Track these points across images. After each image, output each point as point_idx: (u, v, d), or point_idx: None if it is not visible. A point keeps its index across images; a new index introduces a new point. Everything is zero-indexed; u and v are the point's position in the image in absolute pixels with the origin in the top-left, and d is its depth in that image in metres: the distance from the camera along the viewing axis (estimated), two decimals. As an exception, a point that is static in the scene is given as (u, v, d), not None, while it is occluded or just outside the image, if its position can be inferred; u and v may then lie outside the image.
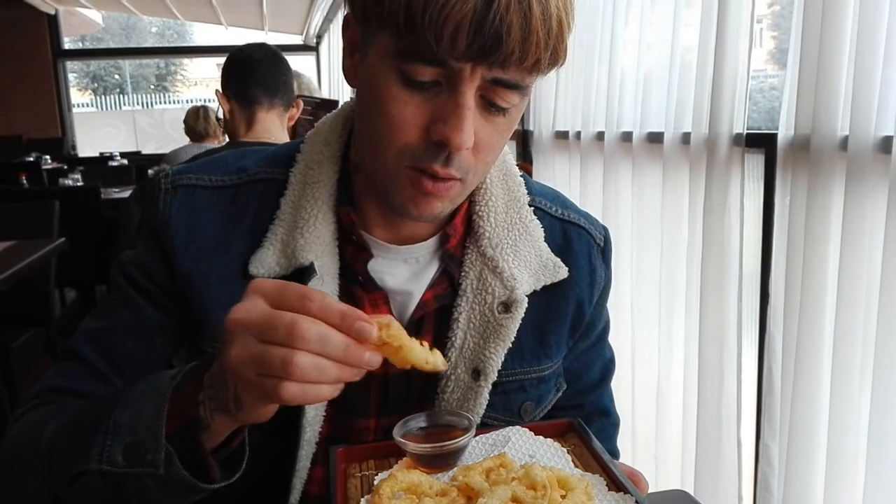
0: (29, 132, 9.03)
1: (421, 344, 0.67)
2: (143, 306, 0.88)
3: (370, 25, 0.76)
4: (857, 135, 1.41)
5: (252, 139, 2.23)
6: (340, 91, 7.75)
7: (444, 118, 0.74)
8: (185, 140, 4.45)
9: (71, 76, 10.42)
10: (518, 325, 0.90)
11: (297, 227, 0.86)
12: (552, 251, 0.94)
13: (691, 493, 1.04)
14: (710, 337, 1.88)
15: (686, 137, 1.96)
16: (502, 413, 0.94)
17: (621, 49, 2.33)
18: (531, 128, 3.07)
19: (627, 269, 2.29)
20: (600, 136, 2.46)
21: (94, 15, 10.23)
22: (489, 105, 0.76)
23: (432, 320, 0.93)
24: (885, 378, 1.39)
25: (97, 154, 8.49)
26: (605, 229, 1.04)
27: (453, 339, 0.90)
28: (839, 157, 1.46)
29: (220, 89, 2.31)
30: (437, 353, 0.68)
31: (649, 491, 0.91)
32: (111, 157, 7.65)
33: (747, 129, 1.78)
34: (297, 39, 10.38)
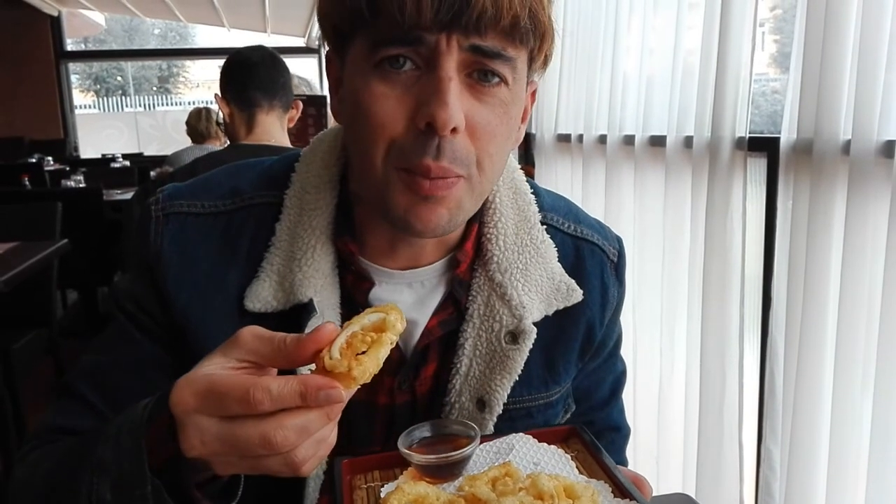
0: (31, 133, 9.04)
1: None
2: (140, 340, 0.85)
3: (345, 43, 0.75)
4: (859, 139, 1.41)
5: (253, 142, 2.24)
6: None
7: (426, 99, 0.69)
8: (187, 141, 4.45)
9: (73, 77, 10.43)
10: (525, 358, 0.87)
11: (295, 259, 0.82)
12: (565, 271, 0.91)
13: (693, 496, 1.04)
14: (711, 340, 1.88)
15: (688, 141, 1.96)
16: None
17: (624, 52, 2.33)
18: (534, 131, 3.07)
19: (629, 272, 2.28)
20: (602, 139, 2.46)
21: (97, 17, 10.24)
22: (477, 79, 0.72)
23: (437, 347, 0.89)
24: (886, 382, 1.39)
25: (99, 155, 8.49)
26: (619, 241, 1.00)
27: (458, 365, 0.87)
28: (842, 161, 1.46)
29: (220, 93, 2.31)
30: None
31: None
32: (113, 159, 7.64)
33: (750, 133, 1.78)
34: (300, 42, 10.39)
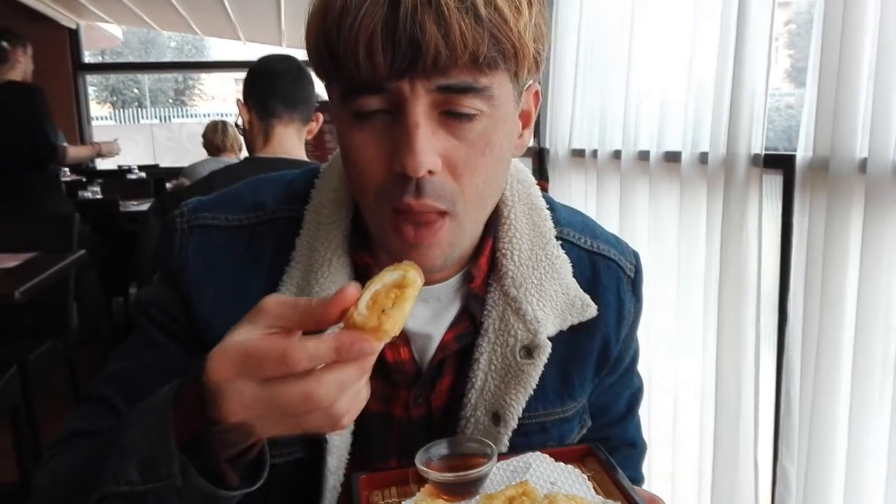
0: (49, 144, 9.08)
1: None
2: (165, 345, 0.87)
3: (329, 85, 0.77)
4: (876, 157, 1.40)
5: (269, 153, 2.23)
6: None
7: (397, 147, 0.70)
8: (203, 153, 4.49)
9: (90, 89, 10.54)
10: (541, 372, 0.88)
11: (313, 272, 0.84)
12: (580, 286, 0.91)
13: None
14: (727, 357, 1.87)
15: (704, 157, 1.96)
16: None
17: (638, 67, 2.33)
18: (548, 145, 3.08)
19: (644, 288, 2.28)
20: (617, 154, 2.46)
21: (115, 30, 10.35)
22: (450, 116, 0.71)
23: (452, 361, 0.90)
24: (905, 402, 1.38)
25: (116, 167, 8.56)
26: (636, 256, 1.00)
27: (473, 380, 0.88)
28: (858, 179, 1.46)
29: (241, 99, 2.30)
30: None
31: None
32: (129, 170, 7.71)
33: (765, 149, 1.78)
34: (314, 54, 10.42)
